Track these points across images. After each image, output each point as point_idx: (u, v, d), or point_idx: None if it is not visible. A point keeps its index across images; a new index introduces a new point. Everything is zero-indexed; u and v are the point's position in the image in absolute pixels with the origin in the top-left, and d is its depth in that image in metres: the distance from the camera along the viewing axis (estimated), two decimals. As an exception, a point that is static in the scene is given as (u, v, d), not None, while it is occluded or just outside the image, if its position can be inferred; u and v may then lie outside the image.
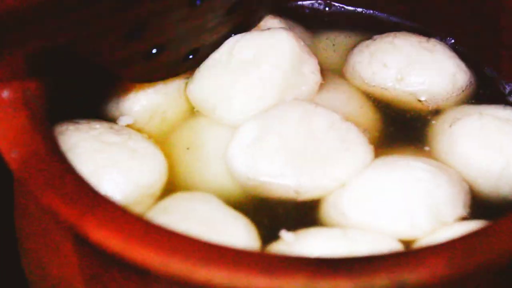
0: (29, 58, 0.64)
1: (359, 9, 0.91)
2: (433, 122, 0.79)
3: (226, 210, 0.68)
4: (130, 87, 0.77)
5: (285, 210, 0.70)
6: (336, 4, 0.91)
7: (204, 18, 0.76)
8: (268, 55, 0.76)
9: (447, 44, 0.84)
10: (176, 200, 0.69)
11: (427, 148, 0.77)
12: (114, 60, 0.71)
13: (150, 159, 0.71)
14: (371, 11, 0.91)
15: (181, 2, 0.73)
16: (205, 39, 0.78)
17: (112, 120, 0.76)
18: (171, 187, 0.71)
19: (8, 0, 0.59)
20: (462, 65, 0.81)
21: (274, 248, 0.66)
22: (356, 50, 0.84)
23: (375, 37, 0.84)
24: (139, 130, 0.75)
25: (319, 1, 0.91)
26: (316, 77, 0.78)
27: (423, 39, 0.83)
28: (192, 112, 0.78)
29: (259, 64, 0.76)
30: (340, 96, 0.80)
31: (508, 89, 0.83)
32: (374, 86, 0.81)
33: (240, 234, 0.65)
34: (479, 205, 0.72)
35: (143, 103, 0.77)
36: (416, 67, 0.80)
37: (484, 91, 0.82)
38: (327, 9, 0.91)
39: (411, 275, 0.54)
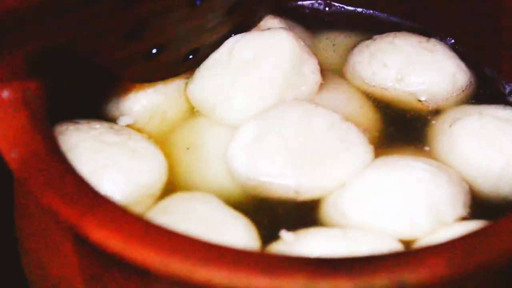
0: (29, 58, 0.64)
1: (359, 9, 0.91)
2: (433, 122, 0.79)
3: (226, 210, 0.68)
4: (130, 87, 0.77)
5: (285, 210, 0.70)
6: (336, 4, 0.91)
7: (204, 18, 0.76)
8: (268, 55, 0.76)
9: (447, 44, 0.84)
10: (176, 200, 0.69)
11: (427, 148, 0.77)
12: (114, 60, 0.71)
13: (150, 159, 0.71)
14: (371, 11, 0.91)
15: (181, 2, 0.73)
16: (205, 39, 0.78)
17: (112, 120, 0.76)
18: (171, 187, 0.71)
19: (8, 0, 0.59)
20: (462, 65, 0.81)
21: (274, 248, 0.66)
22: (356, 50, 0.84)
23: (375, 37, 0.84)
24: (139, 130, 0.75)
25: (319, 1, 0.91)
26: (316, 77, 0.78)
27: (423, 39, 0.83)
28: (192, 112, 0.78)
29: (259, 64, 0.76)
30: (340, 96, 0.80)
31: (508, 89, 0.83)
32: (374, 86, 0.81)
33: (240, 234, 0.65)
34: (479, 205, 0.72)
35: (143, 103, 0.77)
36: (416, 67, 0.80)
37: (484, 91, 0.82)
38: (327, 9, 0.91)
39: (411, 275, 0.54)
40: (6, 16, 0.59)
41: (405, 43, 0.82)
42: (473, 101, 0.81)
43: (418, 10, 0.88)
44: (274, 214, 0.70)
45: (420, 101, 0.80)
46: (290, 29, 0.81)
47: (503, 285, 0.61)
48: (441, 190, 0.69)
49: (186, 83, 0.79)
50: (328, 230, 0.67)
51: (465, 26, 0.85)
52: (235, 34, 0.79)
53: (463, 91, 0.81)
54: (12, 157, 0.60)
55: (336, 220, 0.70)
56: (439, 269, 0.55)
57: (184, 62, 0.78)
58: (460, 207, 0.70)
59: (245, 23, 0.81)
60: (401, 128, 0.78)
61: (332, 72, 0.83)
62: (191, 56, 0.78)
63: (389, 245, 0.66)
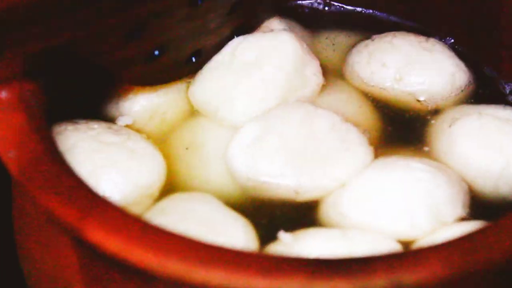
0: (29, 58, 0.64)
1: (359, 9, 0.91)
2: (433, 122, 0.79)
3: (224, 210, 0.68)
4: (130, 88, 0.77)
5: (284, 211, 0.70)
6: (336, 4, 0.91)
7: (205, 19, 0.76)
8: (271, 56, 0.76)
9: (446, 43, 0.84)
10: (174, 201, 0.69)
11: (426, 148, 0.77)
12: (114, 60, 0.71)
13: (149, 159, 0.71)
14: (371, 11, 0.91)
15: (182, 2, 0.73)
16: (207, 40, 0.78)
17: (112, 120, 0.76)
18: (170, 188, 0.71)
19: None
20: (461, 65, 0.81)
21: (272, 249, 0.66)
22: (354, 50, 0.84)
23: (374, 37, 0.84)
24: (138, 131, 0.75)
25: (318, 1, 0.91)
26: (318, 79, 0.78)
27: (422, 39, 0.82)
28: (192, 112, 0.78)
29: (262, 65, 0.76)
30: (340, 96, 0.80)
31: (508, 89, 0.83)
32: (373, 86, 0.81)
33: (238, 234, 0.65)
34: (479, 205, 0.72)
35: (143, 103, 0.77)
36: (415, 67, 0.80)
37: (484, 91, 0.82)
38: (326, 8, 0.91)
39: (409, 276, 0.54)
40: (6, 15, 0.59)
41: (404, 42, 0.82)
42: (472, 101, 0.81)
43: (417, 10, 0.88)
44: (273, 214, 0.70)
45: (419, 101, 0.80)
46: (289, 29, 0.81)
47: (503, 285, 0.61)
48: (440, 190, 0.69)
49: (188, 85, 0.79)
50: (327, 230, 0.67)
51: (465, 26, 0.85)
52: (237, 35, 0.79)
53: (462, 91, 0.81)
54: (10, 158, 0.60)
55: (336, 220, 0.70)
56: (438, 270, 0.55)
57: (186, 65, 0.78)
58: (459, 207, 0.70)
59: (246, 24, 0.81)
60: (400, 128, 0.78)
61: (331, 72, 0.83)
62: (193, 59, 0.78)
63: (388, 245, 0.66)
